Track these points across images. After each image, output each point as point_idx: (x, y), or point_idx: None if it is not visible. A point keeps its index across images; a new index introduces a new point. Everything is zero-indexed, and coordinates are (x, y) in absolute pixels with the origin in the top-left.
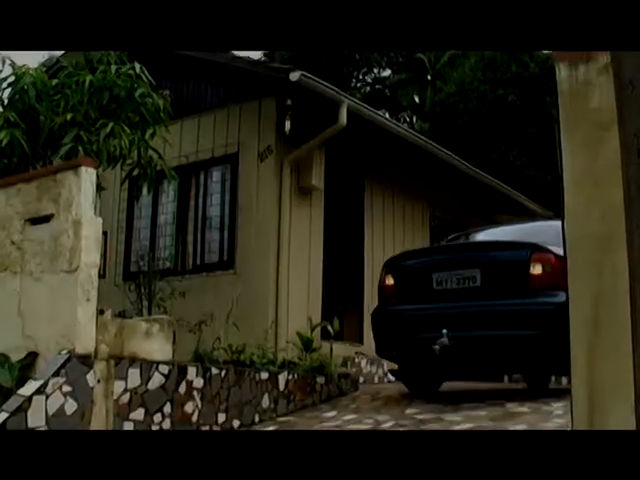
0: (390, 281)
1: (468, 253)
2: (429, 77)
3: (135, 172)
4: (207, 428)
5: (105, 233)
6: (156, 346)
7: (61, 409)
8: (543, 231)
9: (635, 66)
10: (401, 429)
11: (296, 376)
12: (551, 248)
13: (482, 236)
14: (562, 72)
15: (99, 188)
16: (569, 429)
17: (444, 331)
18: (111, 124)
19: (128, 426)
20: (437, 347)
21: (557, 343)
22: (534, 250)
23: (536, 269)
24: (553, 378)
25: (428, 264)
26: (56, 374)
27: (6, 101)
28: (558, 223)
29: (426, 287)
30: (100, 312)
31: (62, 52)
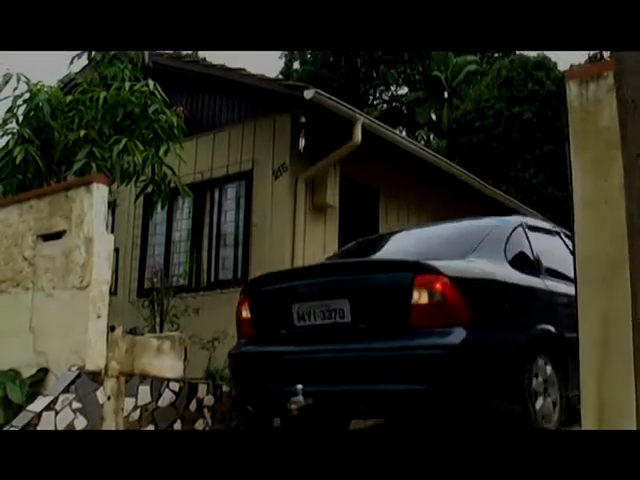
0: (246, 313)
1: (336, 277)
2: (446, 95)
3: (149, 189)
4: None
5: (117, 250)
6: (167, 363)
7: (70, 425)
8: (464, 238)
9: (637, 86)
10: None
11: None
12: (445, 268)
13: (377, 249)
14: (573, 90)
15: (113, 204)
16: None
17: (299, 387)
18: (124, 140)
19: None
20: (293, 407)
21: (453, 401)
22: (418, 272)
23: (421, 298)
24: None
25: (289, 292)
26: (66, 390)
27: (21, 118)
28: (496, 224)
29: (286, 323)
30: (111, 329)
31: (78, 69)
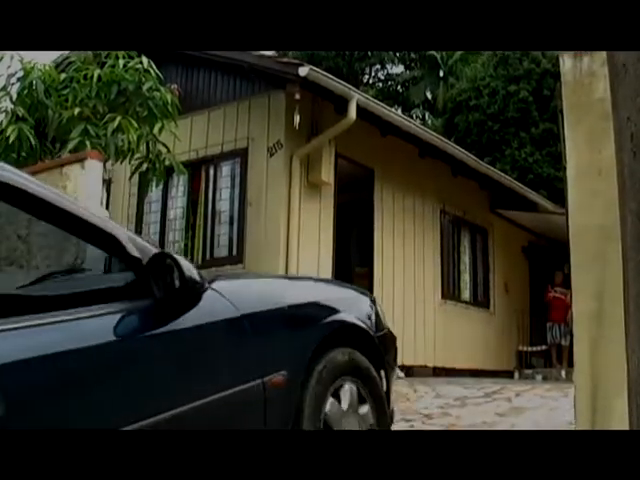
0: None
1: None
2: (441, 73)
3: (143, 166)
4: None
5: None
6: None
7: None
8: None
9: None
10: (407, 425)
11: None
12: None
13: None
14: (566, 63)
15: (108, 182)
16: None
17: None
18: (118, 118)
19: None
20: None
21: None
22: None
23: None
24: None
25: None
26: None
27: (14, 96)
28: None
29: None
30: None
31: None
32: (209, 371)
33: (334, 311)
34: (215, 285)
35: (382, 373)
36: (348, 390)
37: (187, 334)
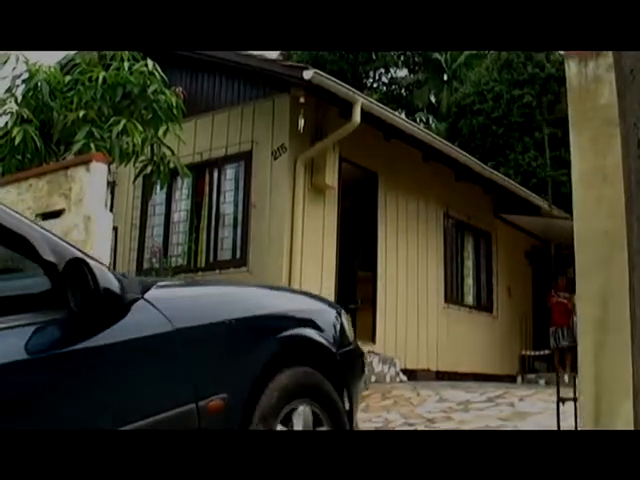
0: None
1: None
2: (445, 77)
3: (148, 169)
4: None
5: (116, 228)
6: None
7: None
8: None
9: (636, 55)
10: (409, 428)
11: None
12: None
13: None
14: (572, 68)
15: (113, 185)
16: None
17: None
18: (123, 121)
19: None
20: None
21: None
22: None
23: None
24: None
25: None
26: None
27: (20, 98)
28: None
29: None
30: None
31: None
32: (128, 395)
33: (291, 325)
34: (149, 295)
35: (345, 392)
36: (302, 414)
37: (103, 352)
